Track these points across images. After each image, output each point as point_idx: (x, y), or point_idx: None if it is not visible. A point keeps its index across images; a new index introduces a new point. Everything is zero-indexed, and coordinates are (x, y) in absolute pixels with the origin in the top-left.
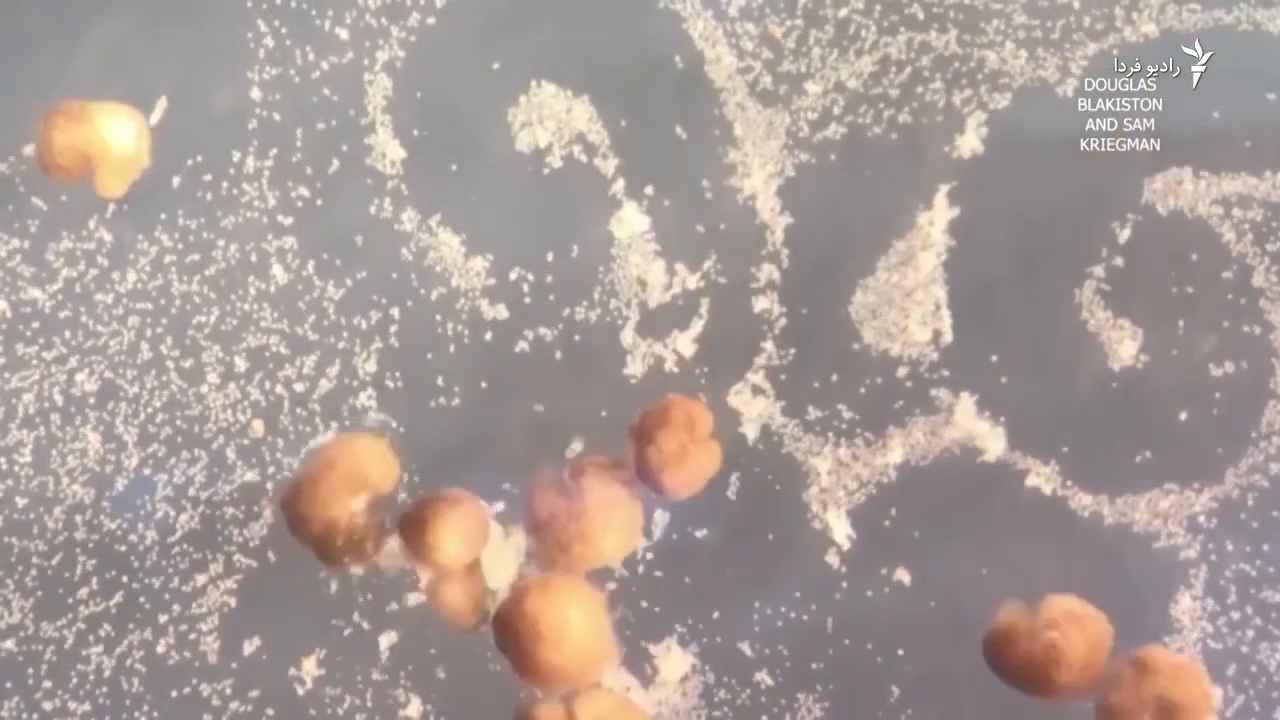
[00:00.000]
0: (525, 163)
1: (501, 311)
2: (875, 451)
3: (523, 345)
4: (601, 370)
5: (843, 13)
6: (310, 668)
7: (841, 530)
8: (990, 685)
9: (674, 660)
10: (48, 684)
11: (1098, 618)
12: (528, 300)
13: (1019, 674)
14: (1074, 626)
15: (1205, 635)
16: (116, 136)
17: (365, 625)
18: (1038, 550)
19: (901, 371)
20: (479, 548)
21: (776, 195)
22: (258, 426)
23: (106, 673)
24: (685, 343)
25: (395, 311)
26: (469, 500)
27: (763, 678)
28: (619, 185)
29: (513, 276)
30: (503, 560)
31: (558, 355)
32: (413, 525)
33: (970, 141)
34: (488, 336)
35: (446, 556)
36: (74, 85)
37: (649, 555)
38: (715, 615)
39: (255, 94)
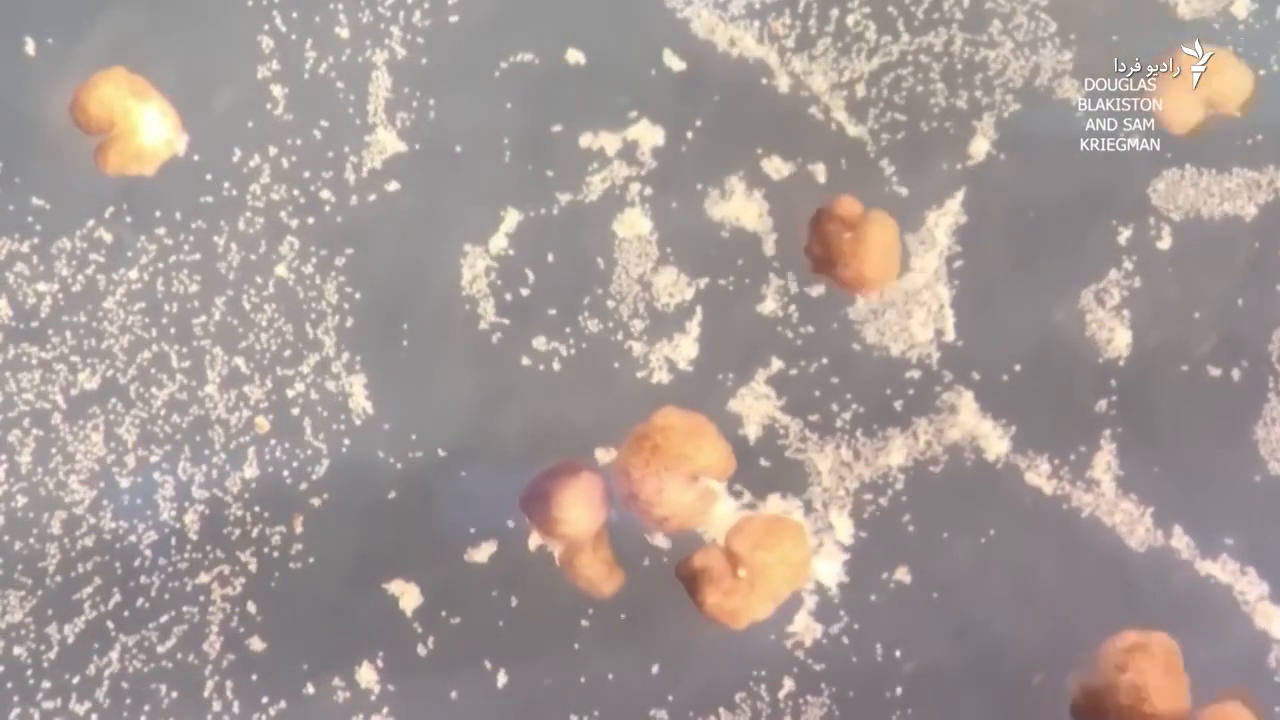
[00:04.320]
0: (527, 162)
1: (505, 312)
2: (877, 451)
3: (525, 346)
4: (604, 372)
5: (844, 14)
6: (314, 667)
7: (844, 530)
8: (990, 685)
9: None
10: (48, 684)
11: (1161, 641)
12: (531, 301)
13: None
14: (1142, 657)
15: None
16: (150, 125)
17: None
18: (1038, 550)
19: (904, 371)
20: (602, 515)
21: (778, 195)
22: (261, 424)
23: (108, 673)
24: (688, 345)
25: (398, 311)
26: (586, 470)
27: (763, 678)
28: (622, 186)
29: (516, 277)
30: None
31: (560, 356)
32: (536, 501)
33: (981, 145)
34: (491, 336)
35: (574, 528)
36: (74, 83)
37: (650, 556)
38: None
39: (257, 92)
